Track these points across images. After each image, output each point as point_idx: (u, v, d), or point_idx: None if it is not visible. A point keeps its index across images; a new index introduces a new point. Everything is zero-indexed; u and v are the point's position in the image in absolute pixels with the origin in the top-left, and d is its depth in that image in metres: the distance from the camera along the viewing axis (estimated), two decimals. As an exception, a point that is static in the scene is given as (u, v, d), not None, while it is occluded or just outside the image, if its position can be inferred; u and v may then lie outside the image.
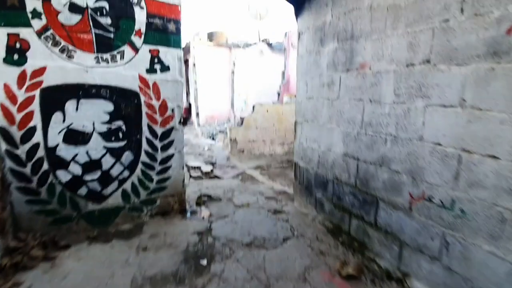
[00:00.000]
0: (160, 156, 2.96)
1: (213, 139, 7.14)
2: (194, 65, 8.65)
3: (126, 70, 2.66)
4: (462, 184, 1.65)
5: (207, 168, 4.99)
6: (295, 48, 7.31)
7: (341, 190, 2.64)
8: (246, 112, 9.76)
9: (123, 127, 2.74)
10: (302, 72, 3.17)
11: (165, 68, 2.82)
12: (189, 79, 9.44)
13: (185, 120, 11.18)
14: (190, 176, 4.72)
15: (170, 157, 3.02)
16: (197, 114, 9.05)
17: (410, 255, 1.98)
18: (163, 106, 2.89)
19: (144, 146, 2.87)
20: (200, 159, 5.99)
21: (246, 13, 9.36)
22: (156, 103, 2.85)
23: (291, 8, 3.28)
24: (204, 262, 2.28)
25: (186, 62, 10.34)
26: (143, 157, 2.88)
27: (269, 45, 9.69)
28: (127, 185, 2.86)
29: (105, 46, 2.55)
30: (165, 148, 2.97)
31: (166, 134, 2.96)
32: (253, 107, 5.96)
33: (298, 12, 3.17)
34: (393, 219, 2.10)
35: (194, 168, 5.12)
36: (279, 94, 7.07)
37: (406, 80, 1.94)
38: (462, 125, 1.63)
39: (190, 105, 10.45)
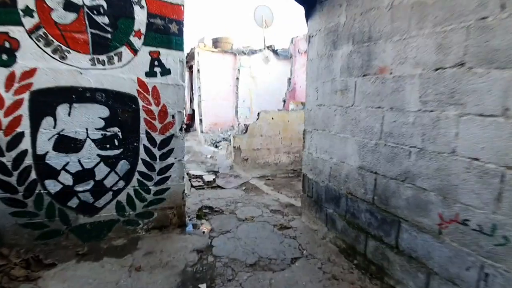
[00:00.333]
0: (158, 165, 2.75)
1: (216, 146, 6.94)
2: (198, 71, 8.52)
3: (124, 73, 2.48)
4: (505, 206, 1.41)
5: (209, 177, 4.76)
6: (302, 55, 7.17)
7: (356, 206, 2.39)
8: (250, 119, 9.57)
9: (119, 134, 2.54)
10: (312, 78, 2.97)
11: (165, 72, 2.64)
12: (193, 85, 9.31)
13: (188, 126, 11.02)
14: (192, 186, 4.49)
15: (169, 166, 2.80)
16: (200, 121, 8.88)
17: (440, 286, 1.72)
18: (163, 112, 2.69)
19: (142, 154, 2.66)
20: (202, 168, 5.77)
21: (251, 20, 9.27)
22: (155, 109, 2.65)
23: (299, 12, 3.10)
24: (203, 287, 2.03)
25: (190, 68, 10.24)
26: (140, 167, 2.67)
27: (275, 52, 9.57)
28: (122, 197, 2.64)
29: (102, 47, 2.37)
30: (164, 157, 2.76)
31: (166, 141, 2.75)
32: (258, 114, 5.76)
33: (308, 13, 2.99)
34: (419, 242, 1.84)
35: (196, 177, 4.89)
36: (284, 102, 6.87)
37: (434, 85, 1.72)
38: (506, 138, 1.40)
39: (193, 111, 10.30)
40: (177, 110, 2.76)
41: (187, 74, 11.65)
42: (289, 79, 6.88)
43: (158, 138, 2.71)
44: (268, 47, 9.47)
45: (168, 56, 2.62)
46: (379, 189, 2.15)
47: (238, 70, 9.01)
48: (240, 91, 9.24)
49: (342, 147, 2.53)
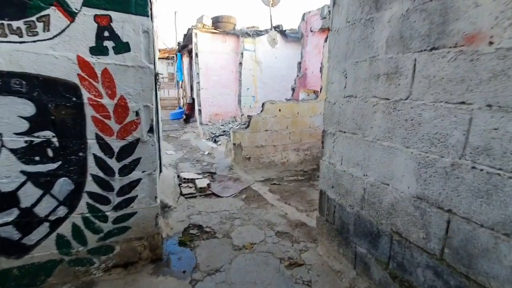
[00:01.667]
0: (118, 183, 1.95)
1: (215, 141, 6.13)
2: (196, 55, 7.60)
3: (54, 48, 1.64)
4: None
5: (202, 182, 3.97)
6: (315, 34, 6.18)
7: (408, 255, 1.55)
8: (255, 110, 8.68)
9: (54, 141, 1.73)
10: (338, 57, 2.07)
11: (122, 47, 1.78)
12: (193, 71, 8.41)
13: (188, 117, 10.21)
14: (181, 194, 3.71)
15: (134, 183, 2.00)
16: (199, 111, 8.04)
17: None
18: (121, 107, 1.86)
19: (92, 168, 1.86)
20: (197, 168, 4.98)
21: (257, -2, 8.21)
22: (109, 103, 1.82)
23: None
24: None
25: (190, 52, 9.29)
26: (91, 186, 1.88)
27: (283, 33, 8.52)
28: (65, 228, 1.87)
29: (14, 7, 1.53)
30: (126, 170, 1.96)
31: (128, 149, 1.93)
32: (263, 105, 4.88)
33: (333, -38, 2.06)
34: None
35: (188, 181, 4.11)
36: (293, 90, 5.96)
37: None
38: None
39: (193, 100, 9.44)
40: (142, 104, 1.93)
41: (186, 60, 10.72)
42: (299, 63, 5.93)
43: (116, 144, 1.90)
44: (275, 28, 8.43)
45: (124, 24, 1.76)
46: (456, 238, 1.30)
47: (241, 54, 8.06)
48: (244, 78, 8.31)
49: (385, 162, 1.67)
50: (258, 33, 8.25)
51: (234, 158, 4.87)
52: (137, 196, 2.03)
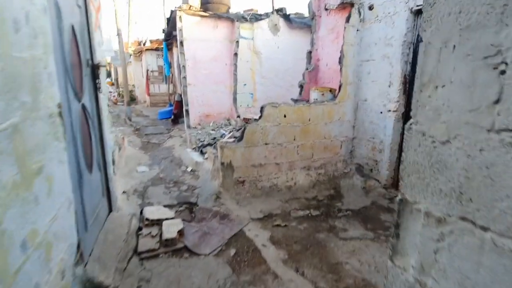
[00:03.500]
0: None
1: (201, 152, 4.82)
2: (181, 43, 6.24)
3: None
4: None
5: (173, 228, 2.68)
6: (331, 13, 4.75)
7: None
8: (253, 110, 7.34)
9: None
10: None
11: None
12: (179, 63, 7.04)
13: (176, 117, 8.88)
14: (135, 252, 2.42)
15: None
16: (187, 112, 6.70)
17: None
18: None
19: None
20: (173, 194, 3.68)
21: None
22: None
23: None
24: None
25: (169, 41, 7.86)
26: None
27: (286, 17, 7.13)
28: None
29: None
30: None
31: None
32: (262, 109, 3.56)
33: None
34: None
35: (152, 223, 2.82)
36: (302, 87, 4.63)
37: None
38: None
39: (182, 97, 8.09)
40: None
41: (175, 50, 9.30)
42: (309, 52, 4.58)
43: None
44: (277, 11, 7.04)
45: None
46: None
47: (237, 42, 6.68)
48: (240, 71, 6.96)
49: None
50: (257, 18, 6.85)
51: (223, 182, 3.57)
52: None
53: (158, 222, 2.85)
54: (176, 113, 8.71)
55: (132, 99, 17.15)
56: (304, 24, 7.31)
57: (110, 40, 9.35)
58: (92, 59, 2.41)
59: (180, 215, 3.14)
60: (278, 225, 2.99)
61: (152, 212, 3.00)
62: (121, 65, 8.82)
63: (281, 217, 3.17)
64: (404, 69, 3.39)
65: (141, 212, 3.10)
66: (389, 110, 3.54)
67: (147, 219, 2.87)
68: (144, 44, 14.61)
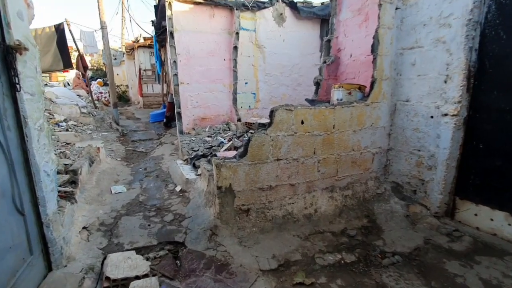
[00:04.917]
0: None
1: (194, 166, 3.89)
2: (171, 35, 5.30)
3: None
4: None
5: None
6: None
7: None
8: (256, 111, 6.42)
9: None
10: None
11: None
12: (168, 58, 6.11)
13: (169, 120, 7.95)
14: None
15: None
16: (179, 115, 5.77)
17: None
18: None
19: None
20: (153, 229, 2.74)
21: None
22: None
23: None
24: None
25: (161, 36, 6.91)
26: None
27: (293, 6, 6.23)
28: None
29: None
30: None
31: None
32: (272, 114, 2.64)
33: None
34: None
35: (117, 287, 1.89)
36: (318, 85, 3.70)
37: None
38: None
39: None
40: None
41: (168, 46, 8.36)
42: (328, 41, 3.64)
43: None
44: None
45: None
46: None
47: (237, 34, 5.76)
48: (240, 68, 6.04)
49: None
50: (259, 5, 5.94)
51: (220, 212, 2.63)
52: None
53: (124, 284, 1.92)
54: (169, 115, 7.77)
55: (126, 100, 16.15)
56: (314, 14, 6.41)
57: (93, 34, 8.40)
58: (2, 37, 1.48)
59: (159, 265, 2.21)
60: (301, 284, 2.05)
61: (117, 265, 2.06)
62: (107, 62, 7.88)
63: (302, 267, 2.24)
64: (469, 58, 2.47)
65: (102, 262, 2.17)
66: (445, 114, 2.62)
67: (107, 279, 1.94)
68: (138, 41, 13.60)
